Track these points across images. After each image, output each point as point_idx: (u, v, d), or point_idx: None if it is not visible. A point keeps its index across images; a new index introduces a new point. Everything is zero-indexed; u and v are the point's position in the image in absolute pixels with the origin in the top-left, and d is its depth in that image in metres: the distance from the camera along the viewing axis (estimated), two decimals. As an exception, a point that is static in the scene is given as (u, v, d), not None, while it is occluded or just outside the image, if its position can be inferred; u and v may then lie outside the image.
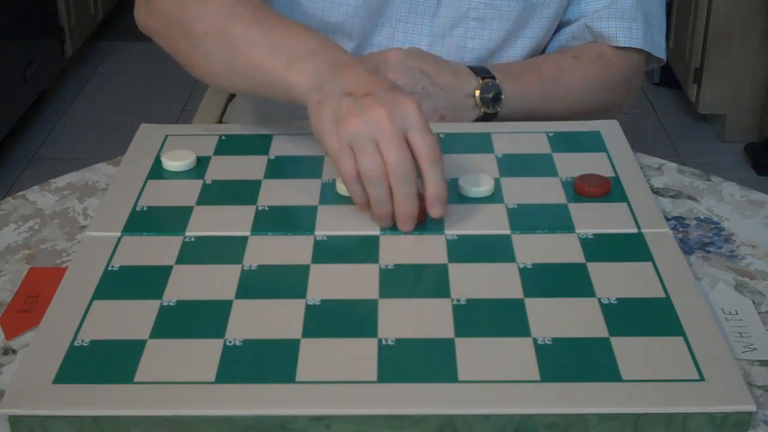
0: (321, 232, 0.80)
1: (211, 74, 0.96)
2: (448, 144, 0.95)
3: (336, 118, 0.80)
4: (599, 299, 0.71)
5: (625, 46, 1.09)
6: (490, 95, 1.02)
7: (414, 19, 1.06)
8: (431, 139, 0.79)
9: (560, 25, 1.13)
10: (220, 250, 0.78)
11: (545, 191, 0.87)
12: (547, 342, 0.67)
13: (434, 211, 0.80)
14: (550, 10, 1.08)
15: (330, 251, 0.78)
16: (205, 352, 0.66)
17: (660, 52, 1.12)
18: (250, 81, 0.91)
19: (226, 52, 0.91)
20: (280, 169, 0.91)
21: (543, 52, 1.15)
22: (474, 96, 1.01)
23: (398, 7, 1.05)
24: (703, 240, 0.84)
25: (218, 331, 0.68)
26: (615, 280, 0.74)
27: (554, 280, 0.74)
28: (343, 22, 1.05)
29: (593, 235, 0.80)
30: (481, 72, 1.03)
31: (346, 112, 0.79)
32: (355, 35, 1.06)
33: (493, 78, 1.02)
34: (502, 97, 1.02)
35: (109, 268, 0.76)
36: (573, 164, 0.91)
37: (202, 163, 0.92)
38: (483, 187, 0.85)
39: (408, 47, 1.03)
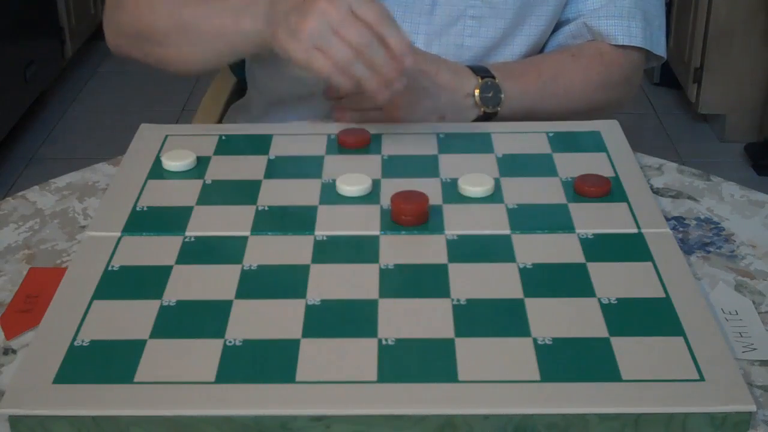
0: (321, 232, 0.80)
1: (185, 63, 1.02)
2: (448, 144, 0.95)
3: (291, 31, 0.86)
4: (599, 299, 0.71)
5: (625, 44, 1.09)
6: (490, 94, 1.02)
7: (410, 18, 1.06)
8: (377, 5, 0.86)
9: (559, 24, 1.13)
10: (220, 250, 0.78)
11: (545, 191, 0.87)
12: (547, 342, 0.67)
13: (408, 61, 0.86)
14: (547, 8, 1.08)
15: (330, 251, 0.78)
16: (205, 352, 0.66)
17: (660, 49, 1.12)
18: (215, 51, 0.98)
19: (186, 37, 0.99)
20: (280, 169, 0.91)
21: (542, 50, 1.15)
22: (474, 95, 1.01)
23: (393, 6, 1.05)
24: (703, 240, 0.84)
25: (218, 331, 0.68)
26: (615, 280, 0.74)
27: (554, 280, 0.74)
28: None
29: (593, 235, 0.80)
30: (481, 71, 1.03)
31: (295, 22, 0.86)
32: None
33: (493, 77, 1.02)
34: (502, 96, 1.02)
35: (109, 268, 0.76)
36: (573, 164, 0.91)
37: (202, 163, 0.92)
38: (483, 187, 0.85)
39: None
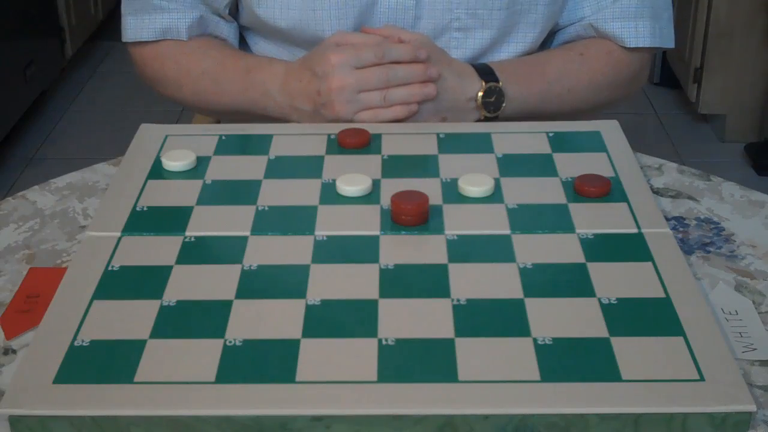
0: (321, 232, 0.80)
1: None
2: (448, 144, 0.95)
3: (332, 119, 0.97)
4: (599, 299, 0.71)
5: (633, 46, 1.08)
6: (492, 99, 1.01)
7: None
8: (366, 49, 0.97)
9: (561, 28, 1.13)
10: (220, 250, 0.78)
11: (545, 191, 0.87)
12: (547, 342, 0.67)
13: (422, 54, 0.98)
14: (536, 17, 1.07)
15: (330, 251, 0.78)
16: (205, 352, 0.66)
17: (669, 42, 1.11)
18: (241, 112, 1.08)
19: (209, 111, 1.15)
20: (280, 169, 0.91)
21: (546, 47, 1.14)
22: (476, 99, 1.01)
23: (377, 23, 1.05)
24: (703, 240, 0.84)
25: (218, 331, 0.68)
26: (615, 280, 0.74)
27: (554, 280, 0.74)
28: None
29: (593, 235, 0.80)
30: (486, 74, 1.02)
31: (329, 112, 0.97)
32: None
33: (497, 81, 1.02)
34: (504, 102, 1.02)
35: (109, 268, 0.76)
36: (573, 164, 0.91)
37: (202, 163, 0.92)
38: (483, 187, 0.85)
39: None
